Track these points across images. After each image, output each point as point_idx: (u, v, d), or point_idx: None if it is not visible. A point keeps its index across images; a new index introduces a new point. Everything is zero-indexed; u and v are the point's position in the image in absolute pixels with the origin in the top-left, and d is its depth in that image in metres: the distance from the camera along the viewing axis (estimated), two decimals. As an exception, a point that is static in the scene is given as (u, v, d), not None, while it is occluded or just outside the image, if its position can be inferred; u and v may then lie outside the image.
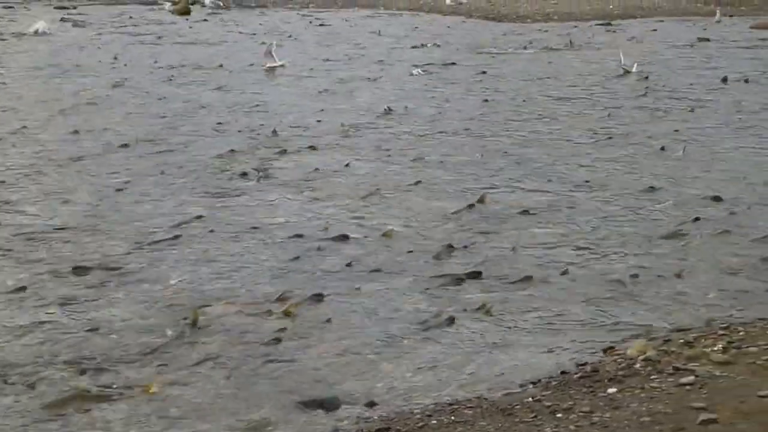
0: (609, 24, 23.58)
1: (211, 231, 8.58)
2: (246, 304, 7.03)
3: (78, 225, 8.74)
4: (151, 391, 5.79)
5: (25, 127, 12.48)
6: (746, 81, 15.86)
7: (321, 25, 23.07)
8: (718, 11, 24.40)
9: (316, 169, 10.58)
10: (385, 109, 13.44)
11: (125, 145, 11.57)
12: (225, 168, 10.66)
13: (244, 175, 10.38)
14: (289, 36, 21.22)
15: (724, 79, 15.91)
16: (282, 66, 16.99)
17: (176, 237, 8.40)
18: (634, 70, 16.62)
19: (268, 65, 17.04)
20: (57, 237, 8.40)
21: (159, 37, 20.65)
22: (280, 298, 7.10)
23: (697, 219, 8.84)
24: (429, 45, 19.71)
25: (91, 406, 5.62)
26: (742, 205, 9.29)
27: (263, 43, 20.09)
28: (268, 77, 16.24)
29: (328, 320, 6.76)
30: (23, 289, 7.22)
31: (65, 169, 10.59)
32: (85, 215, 9.02)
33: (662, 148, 11.44)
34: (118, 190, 9.84)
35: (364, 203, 9.41)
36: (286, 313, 6.88)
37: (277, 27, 22.67)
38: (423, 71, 16.89)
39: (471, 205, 9.28)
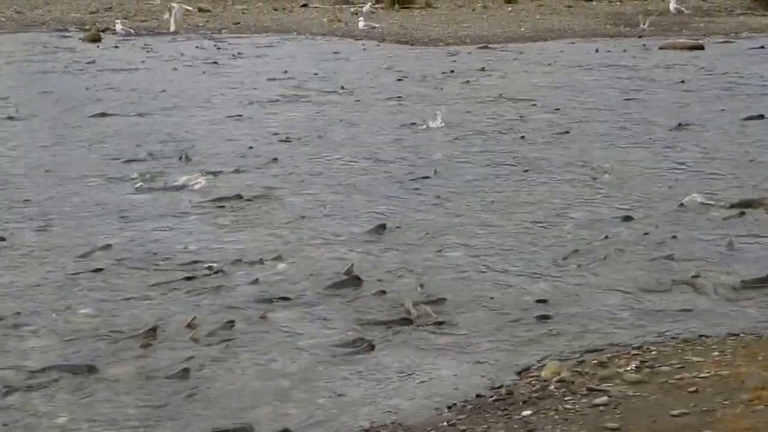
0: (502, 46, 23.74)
1: (120, 260, 8.45)
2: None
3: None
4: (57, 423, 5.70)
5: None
6: (649, 101, 16.05)
7: (239, 53, 22.90)
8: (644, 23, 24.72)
9: (230, 196, 10.46)
10: (319, 135, 13.40)
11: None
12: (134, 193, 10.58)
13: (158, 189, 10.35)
14: (206, 60, 21.10)
15: (629, 99, 16.10)
16: None
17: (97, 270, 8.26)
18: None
19: None
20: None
21: (66, 65, 20.40)
22: (189, 326, 7.02)
23: (606, 238, 8.92)
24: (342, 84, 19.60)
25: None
26: (653, 225, 9.37)
27: (174, 69, 19.98)
28: (183, 103, 16.07)
29: (239, 347, 6.68)
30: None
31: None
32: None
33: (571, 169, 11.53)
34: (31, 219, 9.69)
35: (281, 230, 9.33)
36: (195, 340, 6.81)
37: (191, 53, 22.52)
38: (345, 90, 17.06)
39: (381, 226, 9.28)
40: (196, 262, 8.38)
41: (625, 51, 22.33)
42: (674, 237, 8.96)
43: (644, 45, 23.58)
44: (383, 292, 7.66)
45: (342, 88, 17.42)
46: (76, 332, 6.96)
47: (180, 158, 11.99)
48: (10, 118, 14.79)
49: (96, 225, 9.47)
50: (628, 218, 9.53)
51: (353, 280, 7.90)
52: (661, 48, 22.89)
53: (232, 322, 7.07)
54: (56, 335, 6.91)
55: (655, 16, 28.48)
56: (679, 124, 13.86)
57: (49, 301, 7.54)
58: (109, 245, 8.79)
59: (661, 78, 18.47)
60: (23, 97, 16.52)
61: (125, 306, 7.44)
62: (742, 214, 9.65)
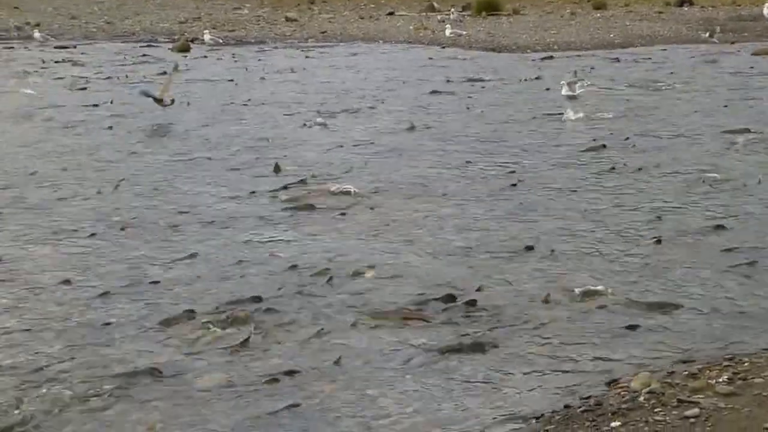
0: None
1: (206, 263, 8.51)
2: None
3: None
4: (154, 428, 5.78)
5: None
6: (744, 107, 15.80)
7: (327, 62, 23.00)
8: None
9: (320, 204, 10.47)
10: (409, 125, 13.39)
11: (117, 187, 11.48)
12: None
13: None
14: (294, 69, 21.26)
15: (725, 106, 15.87)
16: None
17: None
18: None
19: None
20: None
21: (158, 75, 20.63)
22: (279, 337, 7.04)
23: (697, 248, 8.78)
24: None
25: None
26: (745, 233, 9.19)
27: (262, 78, 20.11)
28: (271, 110, 16.14)
29: (330, 356, 6.67)
30: None
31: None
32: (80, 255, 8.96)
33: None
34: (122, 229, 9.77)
35: (373, 238, 9.31)
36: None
37: (279, 62, 22.69)
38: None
39: (470, 235, 9.22)
40: (293, 266, 8.42)
41: (715, 58, 22.02)
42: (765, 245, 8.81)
43: (738, 51, 23.25)
44: (474, 302, 7.59)
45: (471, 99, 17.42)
46: (166, 338, 7.02)
47: (275, 168, 12.02)
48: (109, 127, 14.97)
49: (184, 232, 9.54)
50: (720, 227, 9.37)
51: (443, 290, 7.85)
52: (754, 54, 22.52)
53: (323, 329, 7.08)
54: (149, 341, 6.98)
55: (748, 21, 28.11)
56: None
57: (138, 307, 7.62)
58: (195, 253, 8.84)
59: (755, 83, 18.17)
60: (114, 106, 16.73)
61: (217, 311, 7.47)
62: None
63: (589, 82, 17.68)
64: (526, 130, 14.36)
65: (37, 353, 6.75)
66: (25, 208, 10.47)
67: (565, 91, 17.06)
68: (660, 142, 13.29)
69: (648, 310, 7.37)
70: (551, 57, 22.86)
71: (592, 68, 20.74)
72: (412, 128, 14.48)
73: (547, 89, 17.79)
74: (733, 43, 24.74)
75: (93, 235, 9.51)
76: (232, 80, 19.91)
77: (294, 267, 8.41)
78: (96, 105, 16.89)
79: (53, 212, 10.28)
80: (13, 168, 12.32)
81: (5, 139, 14.24)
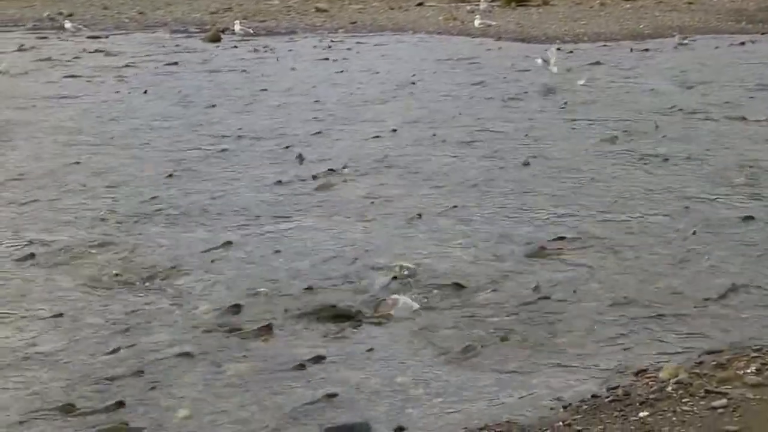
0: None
1: (242, 257, 8.58)
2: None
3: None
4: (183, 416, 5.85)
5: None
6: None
7: (357, 52, 23.00)
8: None
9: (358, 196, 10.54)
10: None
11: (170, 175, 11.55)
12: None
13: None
14: (324, 59, 21.30)
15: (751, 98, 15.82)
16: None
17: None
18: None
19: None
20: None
21: (188, 65, 20.71)
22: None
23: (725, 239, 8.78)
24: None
25: None
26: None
27: (293, 69, 20.15)
28: (301, 101, 16.19)
29: (355, 344, 6.74)
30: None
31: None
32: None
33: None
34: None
35: (404, 229, 9.35)
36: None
37: (309, 52, 22.72)
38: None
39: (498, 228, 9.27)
40: (331, 257, 8.49)
41: (746, 48, 21.91)
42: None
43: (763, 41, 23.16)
44: (495, 291, 7.64)
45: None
46: (198, 327, 7.11)
47: (297, 158, 12.09)
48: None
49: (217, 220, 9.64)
50: (749, 218, 9.36)
51: (467, 282, 7.89)
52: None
53: (351, 319, 7.15)
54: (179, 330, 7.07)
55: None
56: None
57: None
58: (230, 242, 8.92)
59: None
60: (145, 95, 16.84)
61: (246, 302, 7.55)
62: None
63: (558, 57, 18.01)
64: (555, 120, 14.36)
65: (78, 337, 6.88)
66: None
67: (541, 63, 17.42)
68: (687, 132, 13.26)
69: (673, 301, 7.40)
70: (569, 51, 22.80)
71: (620, 59, 20.68)
72: (440, 119, 14.50)
73: (579, 79, 17.73)
74: (763, 33, 24.58)
75: (135, 222, 9.67)
76: (263, 71, 19.96)
77: (320, 257, 8.49)
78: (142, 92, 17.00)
79: (84, 202, 10.40)
80: (51, 154, 12.49)
81: (40, 126, 14.40)
